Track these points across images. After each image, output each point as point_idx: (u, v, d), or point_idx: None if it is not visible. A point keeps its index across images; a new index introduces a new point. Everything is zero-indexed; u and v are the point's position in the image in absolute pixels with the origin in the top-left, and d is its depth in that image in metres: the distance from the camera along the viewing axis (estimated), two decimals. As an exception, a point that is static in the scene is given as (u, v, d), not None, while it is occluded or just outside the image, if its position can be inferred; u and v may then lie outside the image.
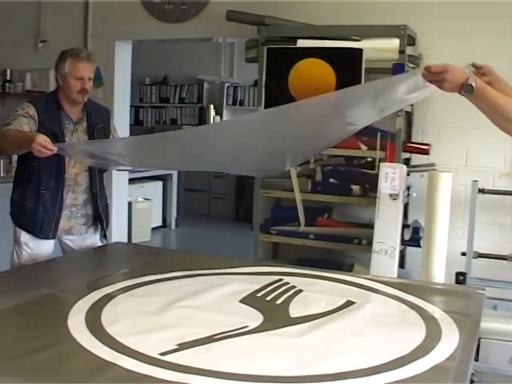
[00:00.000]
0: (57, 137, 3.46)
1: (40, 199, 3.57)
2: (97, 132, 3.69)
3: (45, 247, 3.66)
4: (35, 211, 3.57)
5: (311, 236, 4.65)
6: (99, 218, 3.82)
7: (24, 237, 3.62)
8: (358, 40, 4.50)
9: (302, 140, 3.20)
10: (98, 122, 3.72)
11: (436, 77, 2.35)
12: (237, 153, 3.25)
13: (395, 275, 3.88)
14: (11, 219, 3.66)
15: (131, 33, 6.06)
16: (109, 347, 2.08)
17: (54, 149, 3.13)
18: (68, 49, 3.63)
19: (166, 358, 2.00)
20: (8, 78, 6.68)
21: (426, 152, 4.59)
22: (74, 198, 3.70)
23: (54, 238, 3.66)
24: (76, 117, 3.65)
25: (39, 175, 3.54)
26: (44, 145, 3.08)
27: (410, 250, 4.60)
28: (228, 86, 10.11)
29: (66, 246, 3.81)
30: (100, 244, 3.86)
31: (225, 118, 10.11)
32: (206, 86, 10.28)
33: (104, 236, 3.89)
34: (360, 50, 4.39)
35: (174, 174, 9.22)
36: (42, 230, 3.60)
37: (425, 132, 4.79)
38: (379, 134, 4.47)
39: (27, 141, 3.13)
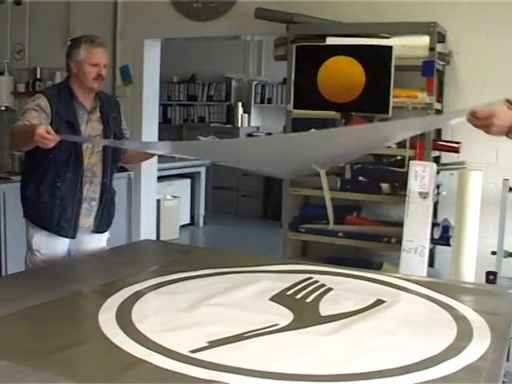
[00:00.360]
0: (72, 126, 3.36)
1: (56, 192, 3.38)
2: (111, 121, 3.55)
3: (57, 249, 3.49)
4: (52, 205, 3.39)
5: (340, 234, 4.64)
6: (108, 210, 3.65)
7: (36, 244, 3.47)
8: (387, 37, 4.48)
9: (335, 151, 3.18)
10: (110, 112, 3.58)
11: (482, 122, 2.29)
12: (267, 157, 3.23)
13: (425, 274, 3.86)
14: (25, 219, 3.50)
15: (160, 31, 6.09)
16: (139, 344, 2.09)
17: (57, 137, 2.93)
18: (81, 35, 3.51)
19: (197, 355, 2.00)
20: (38, 76, 6.74)
21: (456, 150, 4.55)
22: (93, 191, 3.52)
23: (74, 236, 3.49)
24: (89, 106, 3.48)
25: (56, 167, 3.35)
26: (44, 135, 2.87)
27: (439, 248, 4.57)
28: (256, 84, 10.11)
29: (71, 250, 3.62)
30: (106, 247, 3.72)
31: (253, 115, 10.10)
32: (234, 83, 10.28)
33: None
34: (389, 48, 4.37)
35: (203, 171, 9.23)
36: (60, 226, 3.42)
37: (455, 130, 4.74)
38: (409, 131, 4.45)
39: (31, 134, 2.92)
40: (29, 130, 3.02)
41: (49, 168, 3.36)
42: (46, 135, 2.87)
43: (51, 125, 3.17)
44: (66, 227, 3.43)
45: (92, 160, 3.48)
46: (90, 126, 3.47)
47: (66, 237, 3.47)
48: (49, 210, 3.40)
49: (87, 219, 3.53)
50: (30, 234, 3.50)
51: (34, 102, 3.32)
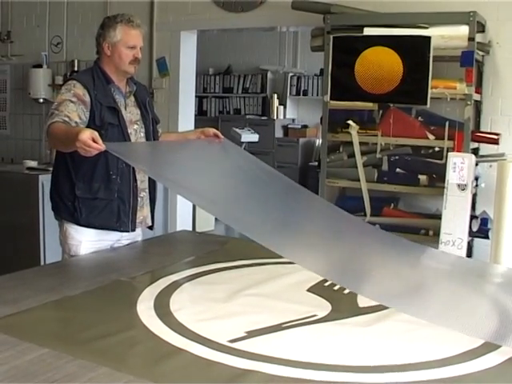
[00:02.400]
0: (114, 111, 3.13)
1: (113, 186, 3.12)
2: (148, 106, 3.37)
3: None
4: (109, 201, 3.13)
5: (377, 226, 4.60)
6: (153, 202, 3.42)
7: (84, 250, 3.17)
8: (425, 28, 4.42)
9: None
10: (144, 96, 3.38)
11: None
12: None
13: (463, 267, 3.81)
14: (75, 223, 3.15)
15: (196, 23, 6.10)
16: (178, 333, 2.10)
17: (102, 147, 2.61)
18: (115, 14, 3.23)
19: (235, 345, 2.01)
20: (76, 68, 6.79)
21: (495, 142, 4.49)
22: (141, 181, 3.27)
23: (134, 229, 3.27)
24: (125, 90, 3.27)
25: (106, 158, 3.01)
26: (88, 143, 2.56)
27: (477, 241, 4.52)
28: (291, 76, 10.07)
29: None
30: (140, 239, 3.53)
31: (288, 108, 10.07)
32: (269, 75, 10.25)
33: (150, 227, 3.48)
34: (428, 38, 4.32)
35: (238, 163, 9.21)
36: (121, 221, 3.18)
37: (494, 121, 4.68)
38: (447, 123, 4.41)
39: (73, 138, 2.61)
40: (71, 133, 2.71)
41: (98, 160, 3.02)
42: (91, 143, 2.58)
43: (92, 112, 3.05)
44: (125, 222, 3.21)
45: None
46: (129, 111, 3.27)
47: (127, 231, 3.25)
48: (107, 206, 3.15)
49: (140, 212, 3.31)
50: (74, 240, 3.19)
51: (71, 92, 3.02)
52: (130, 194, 3.21)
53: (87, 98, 3.05)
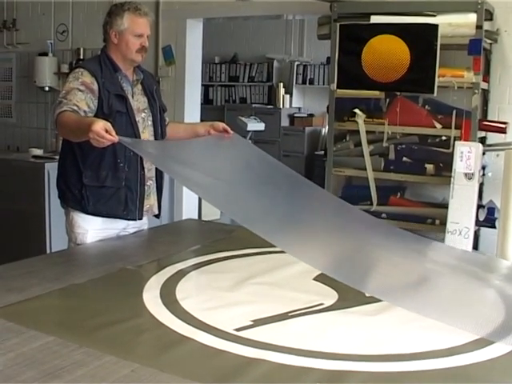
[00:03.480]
0: (122, 99, 3.12)
1: (120, 174, 3.11)
2: (155, 94, 3.35)
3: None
4: (117, 189, 3.13)
5: (383, 215, 4.59)
6: (160, 191, 3.41)
7: (92, 238, 3.17)
8: (433, 15, 4.39)
9: None
10: (150, 84, 3.36)
11: None
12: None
13: (470, 256, 3.81)
14: (82, 211, 3.15)
15: (202, 11, 6.07)
16: (184, 322, 2.10)
17: (115, 138, 2.61)
18: (122, 2, 3.21)
19: (242, 333, 2.01)
20: (81, 56, 6.78)
21: (502, 130, 4.46)
22: (148, 170, 3.26)
23: (141, 218, 3.27)
24: (132, 78, 3.25)
25: (113, 146, 2.87)
26: (101, 134, 2.56)
27: (484, 230, 4.50)
28: (298, 65, 10.04)
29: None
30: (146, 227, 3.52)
31: (294, 96, 10.04)
32: (275, 64, 10.22)
33: (157, 216, 3.47)
34: (435, 26, 4.29)
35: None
36: (128, 209, 3.19)
37: (502, 110, 4.66)
38: (454, 111, 4.39)
39: (85, 129, 2.60)
40: (83, 123, 2.71)
41: (106, 149, 2.92)
42: (104, 134, 2.57)
43: (100, 100, 3.04)
44: (133, 210, 3.21)
45: (145, 135, 3.25)
46: (136, 100, 3.25)
47: (134, 219, 3.25)
48: (114, 194, 3.15)
49: (147, 201, 3.31)
50: (80, 229, 3.18)
51: (78, 81, 3.01)
52: (138, 182, 3.20)
53: (95, 86, 3.04)
